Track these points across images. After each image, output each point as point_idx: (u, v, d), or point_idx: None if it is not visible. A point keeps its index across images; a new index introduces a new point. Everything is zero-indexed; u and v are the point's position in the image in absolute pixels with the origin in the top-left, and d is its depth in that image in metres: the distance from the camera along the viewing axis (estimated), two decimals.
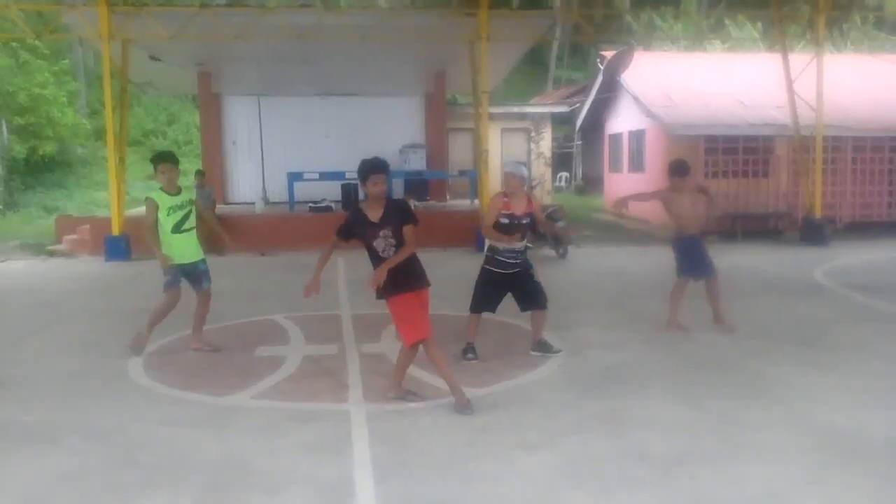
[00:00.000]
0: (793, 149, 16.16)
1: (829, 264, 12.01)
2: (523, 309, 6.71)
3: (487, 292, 6.61)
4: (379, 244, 5.16)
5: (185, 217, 6.71)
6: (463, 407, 5.19)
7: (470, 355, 6.55)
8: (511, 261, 6.45)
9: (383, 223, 5.16)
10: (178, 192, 6.69)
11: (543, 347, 6.68)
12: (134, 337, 6.81)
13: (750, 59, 21.21)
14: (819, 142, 15.16)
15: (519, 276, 6.51)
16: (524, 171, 6.61)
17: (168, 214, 6.60)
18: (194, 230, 6.82)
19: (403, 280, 5.18)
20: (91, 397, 5.72)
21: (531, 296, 6.58)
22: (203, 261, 6.92)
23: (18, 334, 7.88)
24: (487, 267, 6.56)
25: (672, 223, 7.53)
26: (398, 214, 5.21)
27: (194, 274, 6.85)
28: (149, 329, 6.81)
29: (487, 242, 6.64)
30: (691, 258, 7.43)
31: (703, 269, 7.45)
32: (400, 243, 5.17)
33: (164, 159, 6.71)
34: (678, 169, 7.32)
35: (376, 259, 5.21)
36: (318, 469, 4.32)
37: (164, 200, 6.61)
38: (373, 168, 5.15)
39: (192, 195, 7.00)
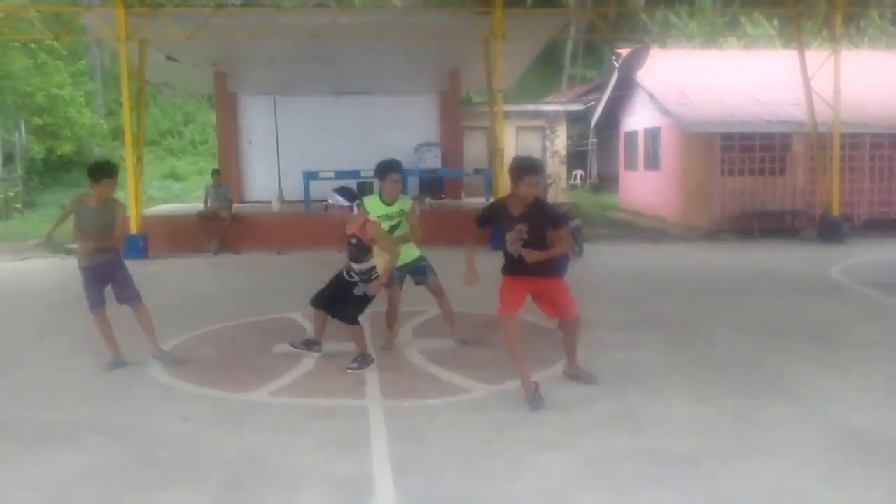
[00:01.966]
0: (810, 146, 16.03)
1: (846, 262, 11.93)
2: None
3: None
4: (510, 236, 5.36)
5: (396, 227, 6.76)
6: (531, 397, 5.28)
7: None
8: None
9: (523, 219, 5.35)
10: (391, 202, 6.75)
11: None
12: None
13: (766, 56, 21.09)
14: (836, 139, 15.03)
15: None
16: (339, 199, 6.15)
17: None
18: (405, 236, 6.83)
19: (521, 266, 5.38)
20: (111, 395, 5.79)
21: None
22: (422, 257, 7.02)
23: (38, 333, 7.96)
24: None
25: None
26: (540, 217, 5.38)
27: (416, 270, 6.96)
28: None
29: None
30: None
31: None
32: (534, 241, 5.33)
33: (396, 169, 6.68)
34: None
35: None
36: (337, 465, 4.35)
37: (376, 208, 6.64)
38: (530, 169, 5.36)
39: (408, 206, 6.83)
